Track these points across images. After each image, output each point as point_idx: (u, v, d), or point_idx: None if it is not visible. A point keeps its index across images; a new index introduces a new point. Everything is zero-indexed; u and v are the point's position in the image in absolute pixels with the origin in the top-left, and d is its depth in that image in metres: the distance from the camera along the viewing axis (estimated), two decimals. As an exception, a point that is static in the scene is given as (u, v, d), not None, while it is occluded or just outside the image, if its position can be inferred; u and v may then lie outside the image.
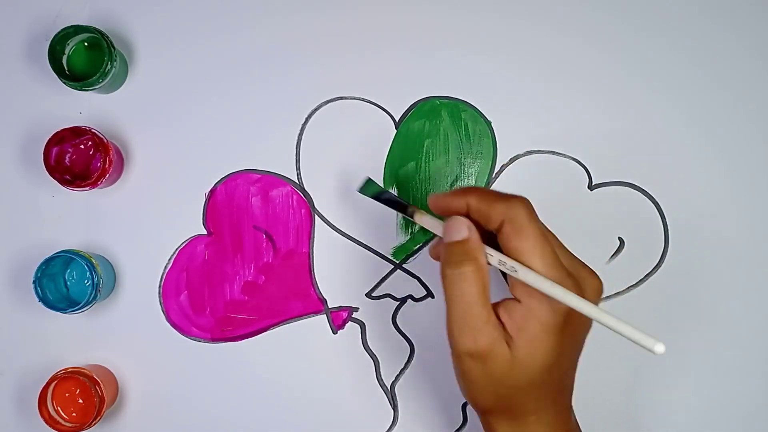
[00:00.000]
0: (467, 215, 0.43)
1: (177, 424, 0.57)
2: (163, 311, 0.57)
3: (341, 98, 0.58)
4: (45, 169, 0.54)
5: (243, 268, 0.58)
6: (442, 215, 0.44)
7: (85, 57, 0.57)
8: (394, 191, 0.58)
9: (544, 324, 0.40)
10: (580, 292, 0.40)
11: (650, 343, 0.37)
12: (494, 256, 0.41)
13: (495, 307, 0.42)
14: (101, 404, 0.53)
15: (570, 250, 0.44)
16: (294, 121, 0.58)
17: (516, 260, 0.40)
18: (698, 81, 0.58)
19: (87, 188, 0.54)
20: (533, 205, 0.42)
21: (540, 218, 0.42)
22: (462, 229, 0.42)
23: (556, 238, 0.43)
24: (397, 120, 0.58)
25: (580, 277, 0.41)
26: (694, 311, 0.58)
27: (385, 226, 0.58)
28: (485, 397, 0.42)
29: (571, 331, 0.41)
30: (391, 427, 0.57)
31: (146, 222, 0.57)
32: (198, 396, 0.57)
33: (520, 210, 0.40)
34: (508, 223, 0.41)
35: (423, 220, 0.46)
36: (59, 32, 0.54)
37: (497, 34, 0.58)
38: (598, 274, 0.43)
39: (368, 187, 0.51)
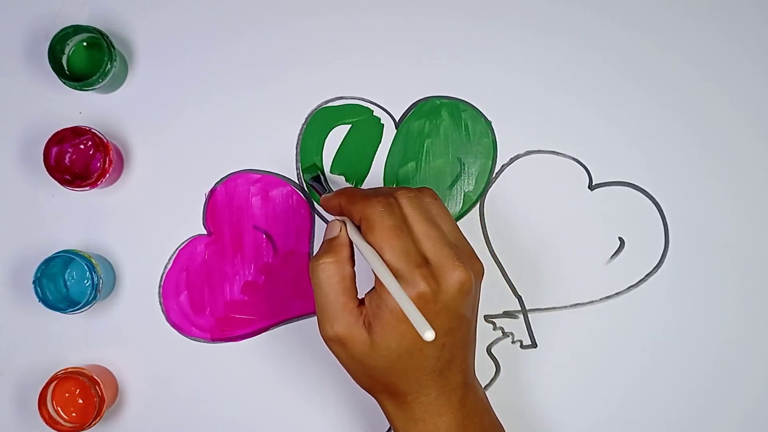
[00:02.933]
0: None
1: (177, 424, 0.57)
2: (163, 311, 0.57)
3: (341, 98, 0.58)
4: (45, 169, 0.54)
5: (243, 268, 0.58)
6: (329, 212, 0.49)
7: (85, 57, 0.57)
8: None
9: (393, 311, 0.43)
10: (433, 282, 0.43)
11: (422, 328, 0.39)
12: (358, 247, 0.45)
13: (364, 297, 0.46)
14: (101, 404, 0.53)
15: (456, 241, 0.46)
16: (294, 121, 0.58)
17: (373, 252, 0.44)
18: (698, 81, 0.58)
19: (87, 188, 0.54)
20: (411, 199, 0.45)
21: (419, 210, 0.45)
22: (334, 230, 0.47)
23: (431, 227, 0.45)
24: (397, 120, 0.58)
25: (440, 266, 0.44)
26: (694, 311, 0.58)
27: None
28: (358, 377, 0.47)
29: (428, 317, 0.42)
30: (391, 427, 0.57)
31: (146, 222, 0.57)
32: (198, 396, 0.57)
33: (374, 208, 0.44)
34: (363, 221, 0.45)
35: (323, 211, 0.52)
36: (59, 32, 0.54)
37: (497, 34, 0.58)
38: (476, 269, 0.45)
39: (310, 170, 0.57)
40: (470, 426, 0.47)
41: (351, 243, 0.46)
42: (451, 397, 0.46)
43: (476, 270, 0.46)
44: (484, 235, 0.58)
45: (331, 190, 0.53)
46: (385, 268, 0.43)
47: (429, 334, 0.39)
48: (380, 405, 0.48)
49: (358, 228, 0.46)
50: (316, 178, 0.56)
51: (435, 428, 0.46)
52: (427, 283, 0.43)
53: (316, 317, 0.46)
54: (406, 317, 0.42)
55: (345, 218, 0.47)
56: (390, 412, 0.47)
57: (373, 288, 0.45)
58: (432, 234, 0.45)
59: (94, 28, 0.54)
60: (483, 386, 0.57)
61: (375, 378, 0.46)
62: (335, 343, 0.45)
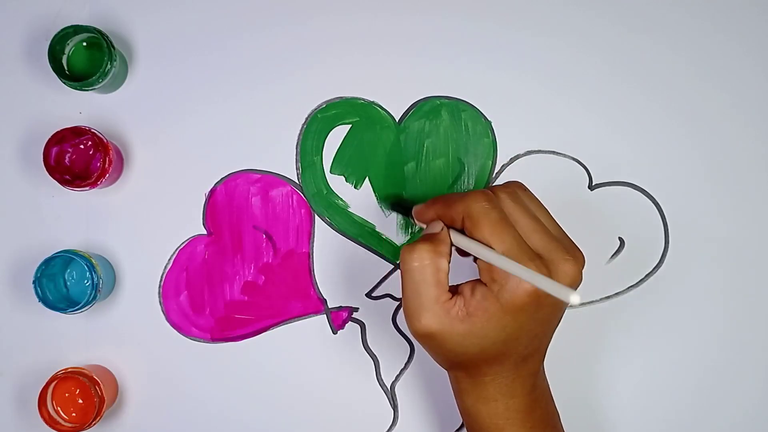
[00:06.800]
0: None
1: (177, 424, 0.57)
2: (163, 311, 0.57)
3: (341, 98, 0.58)
4: (45, 169, 0.54)
5: (243, 268, 0.58)
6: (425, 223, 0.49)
7: (85, 57, 0.57)
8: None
9: (503, 304, 0.44)
10: (546, 273, 0.43)
11: (566, 295, 0.40)
12: (463, 245, 0.45)
13: (459, 286, 0.46)
14: (101, 404, 0.53)
15: (556, 233, 0.46)
16: (294, 120, 0.58)
17: (483, 246, 0.44)
18: (698, 81, 0.58)
19: (87, 188, 0.54)
20: (507, 192, 0.46)
21: (519, 204, 0.46)
22: (436, 227, 0.47)
23: (535, 222, 0.45)
24: (397, 120, 0.58)
25: (550, 260, 0.44)
26: (694, 311, 0.58)
27: (385, 225, 0.58)
28: (441, 361, 0.48)
29: (533, 311, 0.44)
30: (391, 427, 0.57)
31: (146, 222, 0.57)
32: (198, 396, 0.57)
33: (475, 204, 0.45)
34: (467, 219, 0.45)
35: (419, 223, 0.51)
36: (59, 32, 0.54)
37: (497, 34, 0.58)
38: (580, 260, 0.45)
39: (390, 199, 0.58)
40: (537, 410, 0.48)
41: (451, 243, 0.46)
42: (526, 382, 0.47)
43: (582, 261, 0.46)
44: (484, 235, 0.58)
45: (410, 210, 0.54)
46: (500, 255, 0.43)
47: (575, 297, 0.39)
48: (453, 380, 0.49)
49: (460, 231, 0.46)
50: (397, 203, 0.57)
51: (505, 408, 0.47)
52: None
53: (403, 311, 0.46)
54: (513, 310, 0.43)
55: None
56: (463, 389, 0.48)
57: (477, 280, 0.45)
58: (538, 228, 0.45)
59: (94, 28, 0.54)
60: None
61: (458, 360, 0.46)
62: (424, 338, 0.45)
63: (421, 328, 0.45)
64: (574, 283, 0.44)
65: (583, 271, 0.44)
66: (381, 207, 0.58)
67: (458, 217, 0.45)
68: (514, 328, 0.44)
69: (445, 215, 0.46)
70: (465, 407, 0.48)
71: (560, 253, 0.44)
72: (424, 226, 0.49)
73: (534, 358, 0.48)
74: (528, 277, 0.41)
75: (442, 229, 0.46)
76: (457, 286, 0.46)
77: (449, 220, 0.46)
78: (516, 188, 0.47)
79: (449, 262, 0.46)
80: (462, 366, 0.47)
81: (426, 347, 0.47)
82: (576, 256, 0.45)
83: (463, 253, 0.49)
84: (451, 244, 0.46)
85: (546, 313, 0.45)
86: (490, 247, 0.44)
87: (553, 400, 0.51)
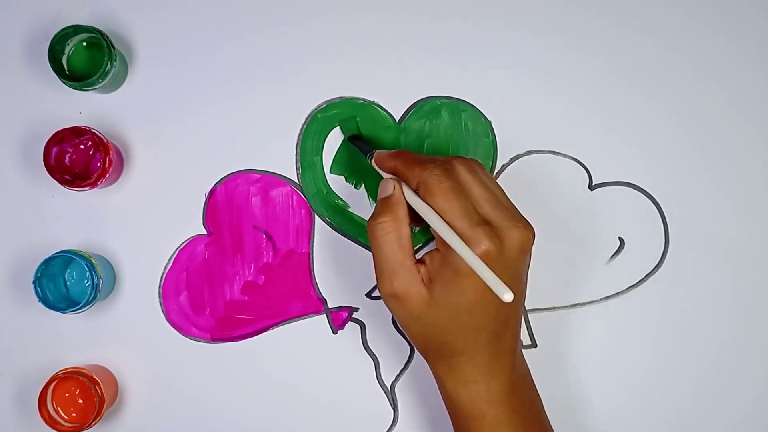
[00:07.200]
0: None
1: (177, 424, 0.57)
2: (163, 311, 0.57)
3: (341, 98, 0.58)
4: (45, 169, 0.54)
5: (243, 268, 0.58)
6: (383, 170, 0.51)
7: (85, 57, 0.57)
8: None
9: (457, 269, 0.45)
10: (497, 240, 0.44)
11: (501, 291, 0.41)
12: (416, 206, 0.46)
13: (423, 255, 0.47)
14: (101, 404, 0.53)
15: (508, 205, 0.47)
16: (294, 121, 0.58)
17: (435, 213, 0.45)
18: (698, 81, 0.58)
19: (87, 188, 0.54)
20: (467, 165, 0.47)
21: (474, 175, 0.47)
22: (388, 188, 0.48)
23: (488, 192, 0.46)
24: (397, 120, 0.58)
25: (500, 226, 0.45)
26: (694, 311, 0.58)
27: (385, 226, 0.58)
28: (413, 334, 0.48)
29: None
30: (391, 427, 0.57)
31: (146, 222, 0.57)
32: (198, 396, 0.57)
33: (432, 172, 0.46)
34: (422, 185, 0.46)
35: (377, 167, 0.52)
36: (59, 32, 0.54)
37: (497, 34, 0.58)
38: (529, 229, 0.46)
39: (348, 128, 0.58)
40: (519, 392, 0.48)
41: (406, 202, 0.47)
42: (503, 362, 0.48)
43: (532, 231, 0.47)
44: (484, 235, 0.58)
45: (370, 147, 0.54)
46: (449, 228, 0.44)
47: (508, 296, 0.40)
48: (432, 369, 0.49)
49: (415, 192, 0.47)
50: (358, 137, 0.57)
51: (487, 390, 0.47)
52: (491, 241, 0.44)
53: (375, 274, 0.48)
54: (469, 274, 0.44)
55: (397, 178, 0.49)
56: (441, 375, 0.48)
57: (435, 249, 0.47)
58: (490, 197, 0.46)
59: (94, 28, 0.54)
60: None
61: (430, 337, 0.47)
62: (393, 300, 0.47)
63: (390, 290, 0.46)
64: (524, 248, 0.46)
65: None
66: (342, 130, 0.58)
67: (414, 180, 0.47)
68: (473, 294, 0.45)
69: (403, 174, 0.48)
70: (447, 395, 0.49)
71: (510, 221, 0.45)
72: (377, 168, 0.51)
73: (506, 334, 0.48)
74: (464, 255, 0.43)
75: (394, 189, 0.48)
76: (423, 257, 0.47)
77: (405, 179, 0.48)
78: (473, 162, 0.48)
79: (410, 224, 0.47)
80: (434, 345, 0.48)
81: (397, 314, 0.47)
82: (525, 224, 0.46)
83: (417, 222, 0.49)
84: (407, 203, 0.47)
85: (504, 280, 0.44)
86: (440, 216, 0.45)
87: (535, 386, 0.51)
